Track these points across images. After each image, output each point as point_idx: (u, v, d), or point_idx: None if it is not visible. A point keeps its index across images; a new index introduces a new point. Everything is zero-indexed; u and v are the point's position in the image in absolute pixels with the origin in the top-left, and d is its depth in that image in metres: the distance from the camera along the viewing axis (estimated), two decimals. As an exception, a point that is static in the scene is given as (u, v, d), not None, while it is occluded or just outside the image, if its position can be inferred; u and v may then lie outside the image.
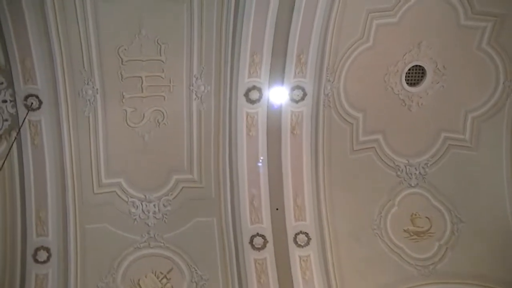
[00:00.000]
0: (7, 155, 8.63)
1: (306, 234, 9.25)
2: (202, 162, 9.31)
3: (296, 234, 9.37)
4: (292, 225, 9.38)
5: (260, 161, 8.93)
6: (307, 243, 9.24)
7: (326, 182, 9.32)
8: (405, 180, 9.48)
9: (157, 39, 8.68)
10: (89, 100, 9.00)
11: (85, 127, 9.12)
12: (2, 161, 8.59)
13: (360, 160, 9.41)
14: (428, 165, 9.44)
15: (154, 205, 9.38)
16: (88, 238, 9.32)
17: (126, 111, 9.09)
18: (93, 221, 9.32)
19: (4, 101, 8.99)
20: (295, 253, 9.27)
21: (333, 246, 9.37)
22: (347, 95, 9.22)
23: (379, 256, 9.34)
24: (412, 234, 9.38)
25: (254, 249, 9.26)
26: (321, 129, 9.24)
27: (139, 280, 9.37)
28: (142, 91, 8.96)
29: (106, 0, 8.32)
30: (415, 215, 9.41)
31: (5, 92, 8.96)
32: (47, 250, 9.16)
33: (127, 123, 9.16)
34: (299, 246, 9.31)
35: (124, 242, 9.40)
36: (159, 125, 9.14)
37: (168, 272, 9.37)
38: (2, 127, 9.09)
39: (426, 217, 9.38)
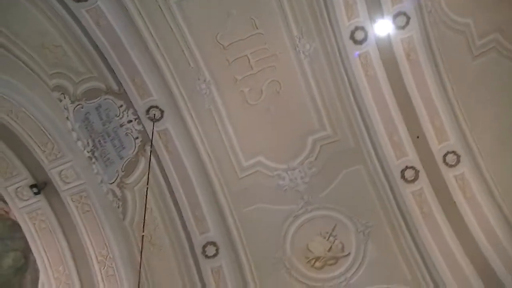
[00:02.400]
0: (149, 169, 11.04)
1: (454, 152, 11.18)
2: (331, 116, 11.41)
3: (444, 156, 11.33)
4: (437, 149, 11.35)
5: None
6: (458, 161, 11.18)
7: (457, 96, 11.14)
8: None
9: (249, 15, 10.78)
10: (205, 93, 11.26)
11: (210, 120, 11.40)
12: (147, 176, 10.99)
13: (483, 65, 11.09)
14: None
15: (299, 171, 11.65)
16: (248, 222, 11.74)
17: (243, 91, 11.28)
18: (246, 204, 11.72)
19: (130, 121, 11.40)
20: (449, 175, 11.24)
21: (483, 156, 11.20)
22: (450, 5, 10.88)
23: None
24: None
25: (407, 182, 11.31)
26: (435, 47, 11.02)
27: (307, 245, 11.75)
28: (252, 68, 11.13)
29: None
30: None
31: (127, 113, 11.36)
32: (214, 244, 11.70)
33: (248, 102, 11.36)
34: (450, 166, 11.25)
35: (282, 215, 11.75)
36: (279, 94, 11.25)
37: (332, 230, 11.67)
38: (135, 146, 11.55)
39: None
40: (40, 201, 11.95)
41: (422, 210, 11.37)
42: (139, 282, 8.82)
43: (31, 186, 11.83)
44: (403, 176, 11.43)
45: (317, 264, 11.69)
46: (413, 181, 11.37)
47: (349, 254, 11.96)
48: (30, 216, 11.89)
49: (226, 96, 11.30)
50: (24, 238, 12.26)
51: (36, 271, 12.74)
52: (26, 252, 13.06)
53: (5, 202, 12.34)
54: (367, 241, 11.80)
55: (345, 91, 11.15)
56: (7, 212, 13.05)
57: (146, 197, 10.29)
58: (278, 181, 11.67)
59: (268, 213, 11.76)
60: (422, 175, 11.48)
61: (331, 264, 11.79)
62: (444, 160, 11.42)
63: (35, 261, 12.29)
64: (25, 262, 13.33)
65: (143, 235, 9.58)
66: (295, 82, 11.13)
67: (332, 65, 11.02)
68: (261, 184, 11.73)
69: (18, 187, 11.85)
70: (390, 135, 11.18)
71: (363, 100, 11.19)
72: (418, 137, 11.37)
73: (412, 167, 11.46)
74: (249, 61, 10.97)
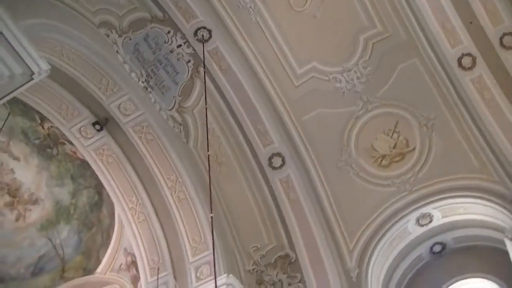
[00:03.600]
0: (205, 90, 12.33)
1: (511, 33, 11.99)
2: (379, 11, 12.49)
3: (501, 38, 12.12)
4: (493, 32, 12.10)
5: None
6: (516, 40, 11.96)
7: (509, -26, 11.85)
8: None
9: None
10: (250, 7, 12.49)
11: (259, 33, 12.69)
12: (204, 97, 12.28)
13: None
14: None
15: (355, 72, 12.88)
16: (310, 129, 13.18)
17: (288, 0, 12.34)
18: (306, 112, 13.13)
19: (179, 46, 12.74)
20: (508, 57, 12.16)
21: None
22: None
23: None
24: None
25: (465, 70, 12.30)
26: None
27: (372, 145, 13.08)
28: (294, -25, 12.07)
29: None
30: None
31: (175, 38, 12.72)
32: (279, 154, 13.19)
33: (294, 10, 12.45)
34: (508, 48, 12.15)
35: (343, 117, 13.11)
36: (323, -1, 12.30)
37: (395, 126, 12.92)
38: (188, 69, 12.90)
39: None
40: (104, 137, 13.35)
41: (483, 96, 12.35)
42: (210, 202, 9.72)
43: (93, 124, 13.23)
44: (460, 64, 12.43)
45: (384, 162, 12.97)
46: (471, 68, 12.35)
47: (414, 148, 13.03)
48: (97, 152, 13.37)
49: (271, 6, 12.58)
50: (94, 175, 13.89)
51: (111, 204, 14.44)
52: (99, 188, 14.78)
53: (71, 143, 13.86)
54: (431, 134, 12.88)
55: (391, -17, 11.98)
56: (74, 153, 14.73)
57: (206, 118, 11.54)
58: (335, 84, 12.94)
59: (329, 118, 13.14)
60: (480, 61, 12.33)
61: (397, 161, 13.04)
62: (501, 43, 12.21)
63: (108, 195, 13.87)
64: (99, 197, 15.09)
65: (208, 155, 10.65)
66: (339, -17, 12.09)
67: (375, -41, 11.89)
68: (318, 89, 13.07)
69: (81, 127, 13.32)
70: (442, 23, 12.12)
71: (411, -9, 11.84)
72: (471, 22, 12.18)
73: (468, 54, 12.38)
74: (291, -32, 11.87)
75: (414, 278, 13.58)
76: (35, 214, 15.61)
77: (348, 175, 12.60)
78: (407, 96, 12.38)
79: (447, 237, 12.98)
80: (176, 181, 12.79)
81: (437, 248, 12.94)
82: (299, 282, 12.44)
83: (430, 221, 12.52)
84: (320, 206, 12.34)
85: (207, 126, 11.50)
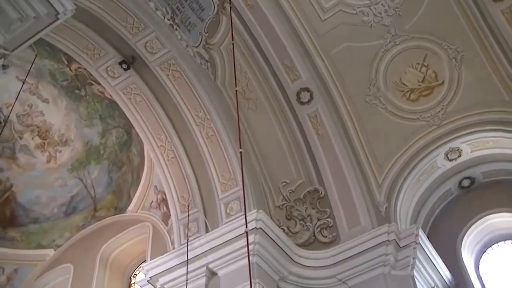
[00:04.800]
0: (231, 26, 12.27)
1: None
2: None
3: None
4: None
5: None
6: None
7: None
8: None
9: None
10: None
11: None
12: (231, 33, 12.19)
13: None
14: None
15: (382, 5, 12.72)
16: (337, 63, 13.14)
17: None
18: (334, 46, 13.06)
19: None
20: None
21: None
22: None
23: None
24: None
25: (496, 1, 11.98)
26: None
27: (400, 79, 12.98)
28: None
29: None
30: None
31: None
32: (307, 89, 13.18)
33: None
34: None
35: (371, 51, 13.01)
36: None
37: (424, 60, 12.78)
38: (214, 5, 12.86)
39: None
40: (131, 76, 13.41)
41: (513, 26, 11.78)
42: (239, 137, 9.59)
43: (120, 63, 13.23)
44: (488, -7, 11.85)
45: (412, 96, 12.95)
46: (502, -2, 11.72)
47: (443, 82, 12.92)
48: (125, 92, 13.47)
49: None
50: (123, 114, 14.03)
51: (140, 143, 14.62)
52: (127, 127, 14.96)
53: (98, 83, 13.96)
54: (460, 67, 12.73)
55: None
56: (102, 93, 14.87)
57: (234, 54, 11.50)
58: (362, 18, 12.81)
59: (357, 52, 13.03)
60: (513, -12, 11.73)
61: (426, 95, 12.98)
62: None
63: (137, 134, 14.05)
64: (128, 137, 15.28)
65: (236, 91, 10.55)
66: None
67: None
68: (346, 23, 12.95)
69: (108, 66, 13.39)
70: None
71: None
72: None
73: (500, -16, 11.77)
74: None
75: (442, 212, 13.66)
76: (65, 155, 15.91)
77: (377, 109, 12.56)
78: (436, 28, 12.08)
79: (476, 172, 13.05)
80: (204, 118, 12.88)
81: (466, 183, 13.03)
82: (328, 217, 12.55)
83: (459, 156, 12.62)
84: (348, 141, 12.36)
85: (234, 63, 11.48)
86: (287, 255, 11.00)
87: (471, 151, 12.81)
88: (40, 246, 16.58)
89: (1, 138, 14.93)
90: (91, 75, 13.89)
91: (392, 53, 12.91)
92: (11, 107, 14.05)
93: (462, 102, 12.69)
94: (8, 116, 14.65)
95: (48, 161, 16.36)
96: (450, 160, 12.64)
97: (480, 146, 12.45)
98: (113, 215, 16.09)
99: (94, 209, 16.37)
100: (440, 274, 12.19)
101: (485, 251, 12.73)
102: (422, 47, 12.87)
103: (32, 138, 16.12)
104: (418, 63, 12.94)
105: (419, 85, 12.94)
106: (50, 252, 16.60)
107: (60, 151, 16.30)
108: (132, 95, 13.45)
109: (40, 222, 16.60)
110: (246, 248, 9.49)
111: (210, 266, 10.68)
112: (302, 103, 13.07)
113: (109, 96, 14.47)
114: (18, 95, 13.26)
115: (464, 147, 12.49)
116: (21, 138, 16.07)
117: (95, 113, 15.47)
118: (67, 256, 16.34)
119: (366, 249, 11.10)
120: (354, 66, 13.17)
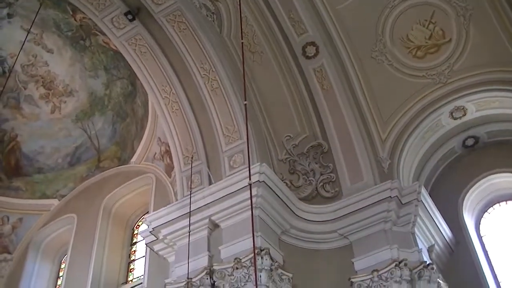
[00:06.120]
0: None
1: None
2: None
3: None
4: None
5: None
6: None
7: None
8: None
9: None
10: None
11: None
12: None
13: None
14: None
15: None
16: (344, 18, 13.07)
17: None
18: (341, 0, 12.76)
19: None
20: None
21: None
22: None
23: None
24: None
25: (509, -42, 11.69)
26: None
27: (407, 35, 12.86)
28: None
29: None
30: None
31: None
32: (313, 43, 13.09)
33: None
34: None
35: (378, 7, 12.82)
36: None
37: (431, 17, 12.60)
38: None
39: None
40: (136, 27, 13.36)
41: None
42: (244, 90, 9.68)
43: (126, 14, 13.12)
44: (502, -48, 11.65)
45: (419, 53, 12.85)
46: (513, -44, 11.58)
47: (450, 40, 12.74)
48: (130, 42, 13.42)
49: None
50: (128, 65, 13.99)
51: (145, 94, 14.61)
52: (132, 78, 14.92)
53: (103, 33, 13.85)
54: (469, 24, 12.53)
55: None
56: (107, 43, 14.79)
57: (240, 6, 11.40)
58: (371, -28, 12.48)
59: (364, 7, 12.87)
60: None
61: (433, 52, 12.88)
62: None
63: (142, 85, 13.97)
64: (133, 88, 15.23)
65: (242, 43, 10.50)
66: None
67: None
68: (356, -25, 12.55)
69: (113, 17, 13.31)
70: None
71: None
72: None
73: None
74: None
75: (445, 170, 13.71)
76: (70, 106, 15.93)
77: (382, 65, 12.47)
78: (444, -17, 11.76)
79: (480, 131, 13.14)
80: (210, 70, 12.84)
81: (470, 142, 13.07)
82: (331, 172, 12.58)
83: (464, 114, 12.67)
84: (353, 96, 12.32)
85: (240, 15, 11.39)
86: (290, 209, 11.03)
87: (476, 110, 12.80)
88: (44, 196, 16.72)
89: (6, 88, 14.84)
90: (96, 25, 13.82)
91: (400, 9, 12.78)
92: (15, 57, 13.92)
93: (469, 60, 12.56)
94: (13, 66, 14.62)
95: (53, 112, 16.41)
96: (455, 119, 12.67)
97: (486, 105, 12.49)
98: (117, 166, 16.17)
99: (98, 159, 16.46)
100: (441, 232, 12.25)
101: (486, 211, 12.58)
102: (430, 3, 12.70)
103: (37, 89, 16.12)
104: (426, 20, 12.79)
105: (426, 42, 12.80)
106: (54, 202, 16.75)
107: (65, 102, 16.33)
108: (137, 46, 13.43)
109: (45, 172, 16.71)
110: (248, 201, 9.56)
111: (213, 218, 10.77)
112: (307, 57, 13.02)
113: (114, 47, 14.41)
114: (22, 45, 13.17)
115: (469, 106, 12.51)
116: (25, 88, 16.08)
117: (99, 64, 15.45)
118: (71, 206, 16.50)
119: (368, 205, 11.09)
120: (360, 21, 13.02)
